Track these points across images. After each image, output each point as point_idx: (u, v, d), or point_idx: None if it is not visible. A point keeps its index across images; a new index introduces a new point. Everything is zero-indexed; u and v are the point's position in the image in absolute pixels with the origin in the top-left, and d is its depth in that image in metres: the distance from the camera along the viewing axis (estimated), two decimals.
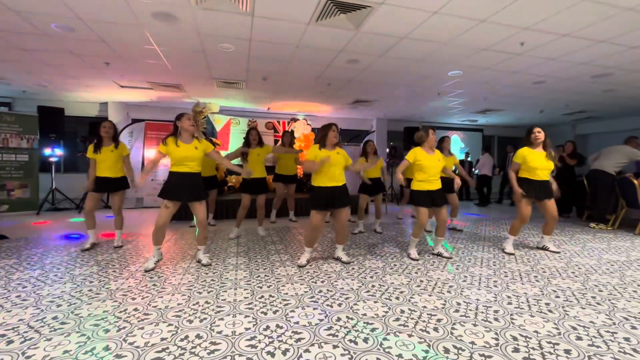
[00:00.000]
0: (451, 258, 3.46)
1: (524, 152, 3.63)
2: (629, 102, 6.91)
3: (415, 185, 3.42)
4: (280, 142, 5.50)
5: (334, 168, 3.13)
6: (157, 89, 6.45)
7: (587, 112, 8.18)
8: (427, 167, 3.34)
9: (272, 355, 1.66)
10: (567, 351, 1.72)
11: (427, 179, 3.37)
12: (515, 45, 3.93)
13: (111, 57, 4.62)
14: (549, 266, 3.21)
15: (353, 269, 3.07)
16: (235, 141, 8.17)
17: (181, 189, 2.96)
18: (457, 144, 10.74)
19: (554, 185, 3.70)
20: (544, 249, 3.82)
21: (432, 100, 7.15)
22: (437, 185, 3.41)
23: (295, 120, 8.53)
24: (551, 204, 3.65)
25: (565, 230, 5.01)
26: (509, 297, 2.44)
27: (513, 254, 3.62)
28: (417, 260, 3.35)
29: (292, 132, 8.14)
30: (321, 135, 3.21)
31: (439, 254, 3.54)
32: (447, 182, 4.11)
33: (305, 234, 3.20)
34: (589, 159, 5.72)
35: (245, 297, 2.37)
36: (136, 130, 7.12)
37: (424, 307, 2.25)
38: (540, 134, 3.60)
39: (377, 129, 9.61)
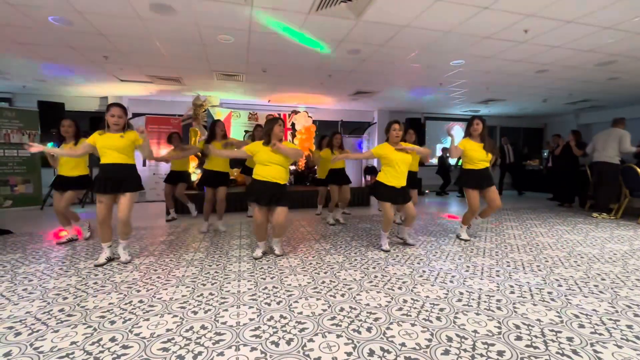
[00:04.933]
0: (414, 245, 3.51)
1: (464, 143, 3.72)
2: (634, 90, 6.82)
3: (380, 177, 3.38)
4: (250, 135, 5.35)
5: (275, 167, 3.04)
6: (156, 83, 6.41)
7: (591, 101, 8.09)
8: (393, 161, 3.28)
9: (277, 345, 1.68)
10: (570, 339, 1.73)
11: (392, 174, 3.30)
12: (519, 32, 3.87)
13: (110, 51, 4.59)
14: (551, 255, 3.21)
15: (355, 260, 3.08)
16: (236, 134, 8.15)
17: (106, 181, 2.87)
18: (460, 135, 10.68)
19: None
20: (457, 236, 3.90)
21: (434, 91, 7.08)
22: (402, 182, 3.32)
23: (296, 112, 8.48)
24: (493, 191, 3.71)
25: (567, 220, 5.00)
26: (511, 286, 2.45)
27: (469, 240, 3.78)
28: (389, 251, 3.33)
29: (293, 124, 8.08)
30: (266, 130, 3.10)
31: (402, 239, 3.62)
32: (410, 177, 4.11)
33: (253, 229, 3.22)
34: (588, 149, 5.69)
35: (249, 289, 2.39)
36: (136, 125, 7.10)
37: (427, 296, 2.26)
38: (478, 126, 3.66)
39: (378, 121, 9.55)
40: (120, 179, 2.91)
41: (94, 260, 3.02)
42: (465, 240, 3.78)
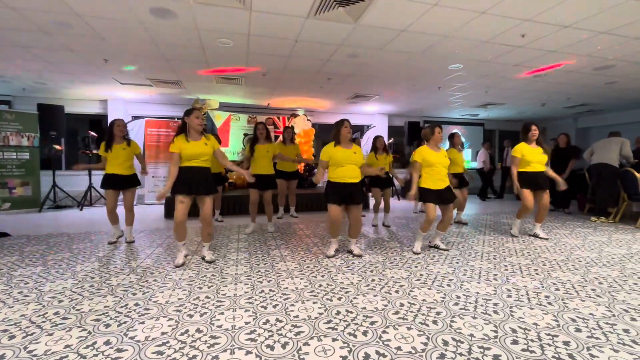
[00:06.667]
0: (448, 250, 3.48)
1: (521, 148, 3.97)
2: (631, 94, 6.85)
3: (423, 183, 3.42)
4: (280, 138, 5.50)
5: (350, 166, 3.16)
6: (157, 86, 6.44)
7: (589, 105, 8.12)
8: (434, 164, 3.35)
9: (272, 348, 1.67)
10: (566, 343, 1.73)
11: (435, 177, 3.37)
12: (516, 37, 3.90)
13: (110, 54, 4.60)
14: (549, 259, 3.21)
15: (353, 263, 3.07)
16: (236, 138, 8.17)
17: (194, 183, 2.95)
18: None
19: (552, 174, 4.05)
20: (535, 235, 4.14)
21: (432, 95, 7.11)
22: (445, 183, 3.41)
23: (295, 115, 8.51)
24: (546, 194, 4.02)
25: (566, 224, 5.00)
26: (508, 290, 2.45)
27: (517, 236, 4.11)
28: (419, 254, 3.36)
29: (292, 127, 8.16)
30: (334, 132, 3.22)
31: (435, 247, 3.57)
32: (456, 177, 4.53)
33: (327, 227, 3.29)
34: (585, 155, 5.69)
35: (245, 292, 2.39)
36: (135, 127, 7.12)
37: (424, 300, 2.26)
38: (536, 131, 3.97)
39: (377, 124, 9.57)
40: (202, 180, 2.99)
41: (95, 264, 3.01)
42: (514, 236, 4.11)
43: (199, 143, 2.97)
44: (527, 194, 3.94)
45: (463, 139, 10.57)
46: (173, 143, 2.91)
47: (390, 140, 8.73)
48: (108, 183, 3.65)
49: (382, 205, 4.93)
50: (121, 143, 3.68)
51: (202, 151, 2.96)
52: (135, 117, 7.82)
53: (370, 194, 5.13)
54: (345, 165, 3.15)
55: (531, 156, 3.92)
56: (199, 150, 2.94)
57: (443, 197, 3.38)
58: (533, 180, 3.94)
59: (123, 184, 3.70)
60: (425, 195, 3.40)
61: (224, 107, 8.14)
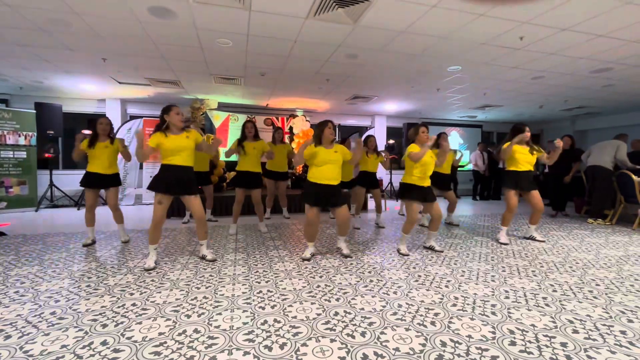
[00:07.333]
0: (442, 252, 3.49)
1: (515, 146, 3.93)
2: (629, 97, 6.90)
3: (407, 180, 3.44)
4: (271, 139, 5.44)
5: (330, 166, 3.13)
6: (155, 85, 6.42)
7: (586, 108, 8.17)
8: (422, 163, 3.34)
9: (270, 349, 1.67)
10: (564, 344, 1.73)
11: (420, 175, 3.38)
12: (515, 39, 3.92)
13: (108, 53, 4.59)
14: (546, 261, 3.22)
15: (351, 264, 3.07)
16: (234, 138, 8.14)
17: (172, 182, 2.87)
18: (457, 140, 10.74)
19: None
20: (531, 238, 4.10)
21: (431, 96, 7.12)
22: (427, 182, 3.43)
23: (294, 116, 8.51)
24: (536, 195, 3.94)
25: (563, 226, 5.02)
26: (506, 291, 2.45)
27: (508, 244, 3.87)
28: (408, 255, 3.36)
29: (291, 128, 8.16)
30: (317, 133, 3.20)
31: (430, 248, 3.57)
32: (443, 178, 4.55)
33: (304, 230, 3.26)
34: (583, 157, 5.72)
35: (243, 292, 2.38)
36: (134, 127, 7.10)
37: (422, 301, 2.26)
38: (528, 133, 3.92)
39: (376, 125, 9.59)
40: (185, 180, 2.93)
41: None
42: (504, 244, 3.85)
43: (180, 137, 2.90)
44: (512, 195, 3.91)
45: (462, 140, 10.67)
46: (150, 139, 2.86)
47: (392, 142, 8.74)
48: (87, 181, 3.58)
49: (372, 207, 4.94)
50: (104, 141, 3.60)
51: (182, 145, 2.88)
52: (132, 117, 7.80)
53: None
54: (324, 165, 3.12)
55: (520, 155, 3.90)
56: (179, 144, 2.87)
57: (425, 196, 3.39)
58: (519, 181, 3.90)
59: (104, 183, 3.62)
60: (408, 191, 3.40)
61: (222, 107, 8.13)
